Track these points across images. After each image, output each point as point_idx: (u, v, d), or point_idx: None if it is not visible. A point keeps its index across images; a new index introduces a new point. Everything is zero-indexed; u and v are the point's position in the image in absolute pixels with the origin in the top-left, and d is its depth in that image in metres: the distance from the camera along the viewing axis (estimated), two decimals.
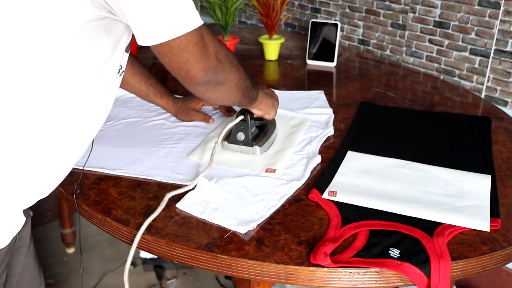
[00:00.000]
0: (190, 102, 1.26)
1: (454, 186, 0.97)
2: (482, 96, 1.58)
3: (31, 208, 0.87)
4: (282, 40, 1.78)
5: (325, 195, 0.94)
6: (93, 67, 0.78)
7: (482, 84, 1.58)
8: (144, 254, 1.96)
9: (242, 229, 0.85)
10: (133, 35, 0.82)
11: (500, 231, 0.86)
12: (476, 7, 1.54)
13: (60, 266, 1.99)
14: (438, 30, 1.66)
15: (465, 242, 0.84)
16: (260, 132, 1.12)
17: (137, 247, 0.85)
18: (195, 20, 0.74)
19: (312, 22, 1.73)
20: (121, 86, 1.15)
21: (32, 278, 1.01)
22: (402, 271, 0.77)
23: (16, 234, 0.83)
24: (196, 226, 0.88)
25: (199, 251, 0.82)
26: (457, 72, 1.64)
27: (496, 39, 1.51)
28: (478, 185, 0.97)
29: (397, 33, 1.79)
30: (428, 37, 1.70)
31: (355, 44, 1.94)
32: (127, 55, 0.87)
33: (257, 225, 0.87)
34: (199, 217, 0.90)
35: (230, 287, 1.88)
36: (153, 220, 0.87)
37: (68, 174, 0.87)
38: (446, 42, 1.65)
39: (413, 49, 1.75)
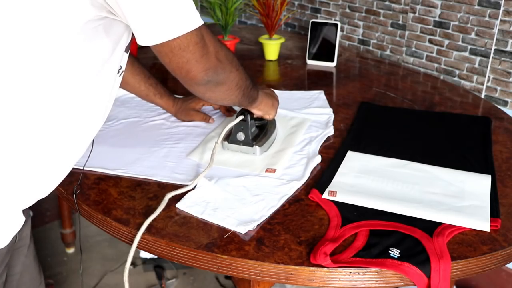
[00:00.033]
0: (190, 102, 1.26)
1: (454, 186, 0.97)
2: (482, 96, 1.58)
3: (31, 208, 0.87)
4: (282, 40, 1.78)
5: (325, 195, 0.94)
6: (93, 67, 0.78)
7: (482, 84, 1.58)
8: (144, 254, 1.96)
9: (242, 229, 0.85)
10: (133, 35, 0.82)
11: (500, 231, 0.86)
12: (476, 7, 1.54)
13: (60, 266, 1.99)
14: (438, 30, 1.66)
15: (465, 242, 0.84)
16: (260, 132, 1.12)
17: (137, 247, 0.85)
18: (196, 20, 0.74)
19: (312, 22, 1.73)
20: (121, 86, 1.15)
21: (32, 278, 1.01)
22: (402, 271, 0.77)
23: (16, 234, 0.83)
24: (196, 226, 0.88)
25: (199, 251, 0.82)
26: (457, 72, 1.64)
27: (496, 39, 1.52)
28: (478, 185, 0.97)
29: (397, 33, 1.79)
30: (428, 37, 1.70)
31: (355, 44, 1.94)
32: (126, 55, 0.87)
33: (257, 225, 0.87)
34: (199, 217, 0.90)
35: (230, 287, 1.88)
36: (153, 220, 0.87)
37: (68, 174, 0.87)
38: (446, 42, 1.65)
39: (413, 49, 1.75)
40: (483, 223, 0.86)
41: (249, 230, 0.86)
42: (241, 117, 1.09)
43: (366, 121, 1.27)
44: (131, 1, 0.68)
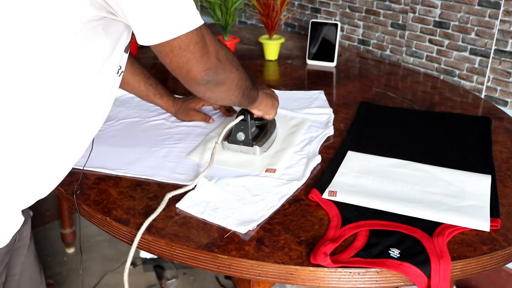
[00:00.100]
0: (190, 102, 1.26)
1: (454, 186, 0.97)
2: (482, 96, 1.58)
3: (31, 208, 0.87)
4: (282, 40, 1.78)
5: (325, 195, 0.94)
6: (92, 67, 0.78)
7: (482, 84, 1.58)
8: (144, 254, 1.96)
9: (242, 229, 0.85)
10: (133, 35, 0.82)
11: (500, 231, 0.86)
12: (476, 7, 1.54)
13: (60, 266, 1.99)
14: (438, 30, 1.66)
15: (465, 242, 0.84)
16: (260, 132, 1.12)
17: (137, 247, 0.85)
18: (196, 19, 0.74)
19: (312, 22, 1.73)
20: (121, 86, 1.15)
21: (32, 278, 1.01)
22: (402, 271, 0.77)
23: (16, 234, 0.83)
24: (196, 226, 0.88)
25: (199, 251, 0.82)
26: (457, 72, 1.64)
27: (496, 39, 1.52)
28: (478, 185, 0.97)
29: (397, 33, 1.79)
30: (428, 37, 1.70)
31: (355, 44, 1.94)
32: (126, 55, 0.87)
33: (257, 225, 0.87)
34: (199, 217, 0.90)
35: (230, 287, 1.88)
36: (153, 220, 0.87)
37: (68, 174, 0.87)
38: (446, 42, 1.65)
39: (413, 49, 1.75)
40: (483, 223, 0.86)
41: (249, 230, 0.86)
42: (241, 117, 1.09)
43: (366, 121, 1.27)
44: (131, 1, 0.68)
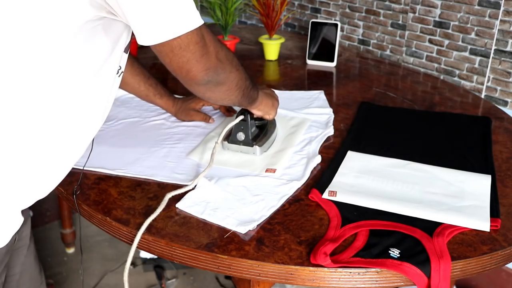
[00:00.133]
0: (190, 102, 1.26)
1: (454, 186, 0.97)
2: (482, 96, 1.58)
3: (31, 208, 0.87)
4: (282, 40, 1.78)
5: (325, 195, 0.94)
6: (92, 67, 0.78)
7: (482, 84, 1.58)
8: (144, 254, 1.96)
9: (242, 229, 0.85)
10: (132, 35, 0.82)
11: (500, 231, 0.86)
12: (476, 7, 1.54)
13: (60, 266, 1.99)
14: (438, 30, 1.66)
15: (465, 242, 0.84)
16: (260, 132, 1.12)
17: (137, 247, 0.85)
18: (196, 19, 0.74)
19: (312, 22, 1.73)
20: (121, 87, 1.15)
21: (32, 278, 1.01)
22: (402, 271, 0.77)
23: (15, 235, 0.83)
24: (196, 226, 0.88)
25: (199, 251, 0.82)
26: (457, 72, 1.64)
27: (496, 39, 1.52)
28: (478, 185, 0.97)
29: (397, 33, 1.79)
30: (428, 37, 1.70)
31: (355, 44, 1.94)
32: (126, 56, 0.87)
33: (257, 225, 0.87)
34: (199, 217, 0.90)
35: (230, 287, 1.88)
36: (153, 220, 0.87)
37: (68, 174, 0.87)
38: (446, 42, 1.65)
39: (413, 49, 1.75)
40: (483, 223, 0.86)
41: (249, 230, 0.86)
42: (241, 117, 1.09)
43: (366, 121, 1.27)
44: (131, 1, 0.68)
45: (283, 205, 0.93)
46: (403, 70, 1.70)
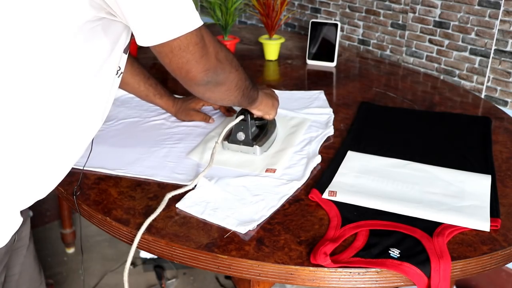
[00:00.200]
0: (190, 102, 1.26)
1: (454, 186, 0.97)
2: (482, 96, 1.58)
3: (31, 208, 0.86)
4: (282, 40, 1.78)
5: (325, 195, 0.94)
6: (91, 68, 0.78)
7: (482, 84, 1.58)
8: (144, 254, 1.96)
9: (242, 229, 0.85)
10: (132, 35, 0.82)
11: (500, 231, 0.86)
12: (476, 7, 1.54)
13: (60, 266, 1.99)
14: (438, 30, 1.66)
15: (465, 242, 0.84)
16: (260, 132, 1.12)
17: (137, 247, 0.85)
18: (195, 20, 0.74)
19: (312, 22, 1.73)
20: (121, 87, 1.15)
21: (31, 278, 1.01)
22: (402, 271, 0.77)
23: (15, 235, 0.83)
24: (196, 226, 0.88)
25: (199, 251, 0.82)
26: (457, 72, 1.64)
27: (496, 39, 1.51)
28: (478, 185, 0.97)
29: (397, 33, 1.79)
30: (428, 37, 1.70)
31: (355, 44, 1.94)
32: (125, 56, 0.87)
33: (257, 225, 0.87)
34: (199, 217, 0.90)
35: (230, 287, 1.88)
36: (153, 220, 0.87)
37: (68, 174, 0.87)
38: (446, 42, 1.65)
39: (413, 49, 1.75)
40: (483, 223, 0.86)
41: (249, 230, 0.86)
42: (241, 117, 1.09)
43: (366, 121, 1.27)
44: (131, 2, 0.68)
45: (283, 205, 0.93)
46: (403, 70, 1.70)
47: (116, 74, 0.86)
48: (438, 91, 1.52)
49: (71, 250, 2.07)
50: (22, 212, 0.83)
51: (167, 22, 0.71)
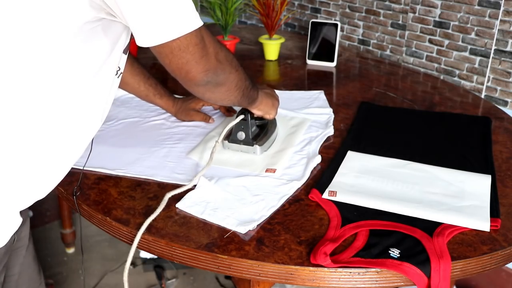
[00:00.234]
0: (190, 102, 1.26)
1: (454, 186, 0.97)
2: (482, 96, 1.58)
3: (31, 208, 0.86)
4: (282, 40, 1.78)
5: (325, 195, 0.94)
6: (90, 68, 0.78)
7: (482, 84, 1.58)
8: (144, 254, 1.96)
9: (242, 229, 0.85)
10: (132, 36, 0.81)
11: (500, 231, 0.86)
12: (476, 7, 1.54)
13: (60, 266, 1.99)
14: (438, 30, 1.66)
15: (465, 242, 0.84)
16: (260, 131, 1.12)
17: (137, 247, 0.85)
18: (195, 21, 0.74)
19: (312, 22, 1.73)
20: (121, 87, 1.15)
21: (31, 278, 1.01)
22: (402, 271, 0.77)
23: (14, 235, 0.83)
24: (196, 226, 0.88)
25: (199, 251, 0.82)
26: (457, 72, 1.64)
27: (496, 39, 1.51)
28: (478, 185, 0.97)
29: (397, 33, 1.79)
30: (428, 37, 1.70)
31: (355, 44, 1.94)
32: (125, 57, 0.87)
33: (257, 225, 0.87)
34: (199, 217, 0.90)
35: (230, 287, 1.88)
36: (153, 220, 0.87)
37: (68, 174, 0.87)
38: (446, 42, 1.65)
39: (413, 49, 1.75)
40: (483, 223, 0.86)
41: (249, 230, 0.86)
42: (242, 116, 1.09)
43: (366, 121, 1.27)
44: (131, 3, 0.68)
45: (283, 205, 0.93)
46: (403, 70, 1.70)
47: (116, 75, 0.86)
48: (438, 91, 1.52)
49: (71, 250, 2.07)
50: (21, 212, 0.83)
51: (167, 23, 0.71)
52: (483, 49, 1.55)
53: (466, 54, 1.60)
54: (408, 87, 1.54)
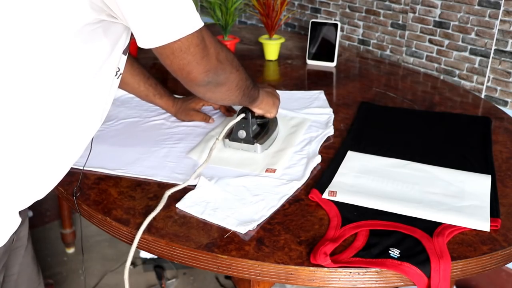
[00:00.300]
0: (190, 102, 1.26)
1: (454, 186, 0.97)
2: (482, 96, 1.58)
3: (31, 208, 0.86)
4: (282, 40, 1.78)
5: (325, 195, 0.94)
6: (90, 69, 0.78)
7: (482, 84, 1.58)
8: (144, 254, 1.96)
9: (242, 229, 0.85)
10: (132, 36, 0.81)
11: (500, 231, 0.86)
12: (476, 7, 1.54)
13: (60, 266, 1.99)
14: (438, 30, 1.66)
15: (465, 242, 0.84)
16: (261, 130, 1.12)
17: (137, 247, 0.85)
18: (196, 22, 0.74)
19: (312, 22, 1.73)
20: (121, 87, 1.15)
21: (30, 278, 1.01)
22: (402, 271, 0.77)
23: (13, 235, 0.83)
24: (196, 226, 0.88)
25: (199, 251, 0.82)
26: (457, 72, 1.64)
27: (496, 39, 1.52)
28: (478, 185, 0.97)
29: (397, 33, 1.79)
30: (428, 37, 1.70)
31: (355, 44, 1.94)
32: (125, 57, 0.87)
33: (257, 225, 0.87)
34: (199, 217, 0.90)
35: (230, 287, 1.88)
36: (153, 220, 0.87)
37: (68, 174, 0.87)
38: (446, 42, 1.65)
39: (413, 49, 1.75)
40: (483, 223, 0.86)
41: (249, 230, 0.86)
42: (243, 115, 1.09)
43: (366, 121, 1.27)
44: (132, 4, 0.68)
45: (283, 205, 0.93)
46: (403, 70, 1.70)
47: (115, 75, 0.86)
48: (438, 91, 1.52)
49: (71, 250, 2.06)
50: (21, 212, 0.83)
51: (168, 24, 0.71)
52: (483, 49, 1.55)
53: (466, 54, 1.60)
54: (408, 87, 1.54)
